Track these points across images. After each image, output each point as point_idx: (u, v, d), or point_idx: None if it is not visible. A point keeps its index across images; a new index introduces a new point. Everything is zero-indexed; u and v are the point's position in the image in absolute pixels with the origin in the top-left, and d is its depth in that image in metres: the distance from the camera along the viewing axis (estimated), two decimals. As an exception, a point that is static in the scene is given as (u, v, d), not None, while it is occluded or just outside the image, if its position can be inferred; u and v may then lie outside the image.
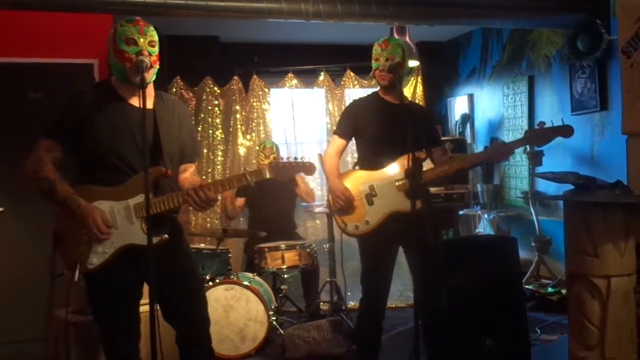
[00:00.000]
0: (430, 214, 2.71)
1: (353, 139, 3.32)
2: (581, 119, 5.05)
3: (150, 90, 2.43)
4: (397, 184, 3.05)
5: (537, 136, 3.03)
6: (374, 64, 3.16)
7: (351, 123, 3.26)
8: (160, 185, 2.39)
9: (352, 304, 5.29)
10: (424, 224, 2.66)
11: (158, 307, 2.28)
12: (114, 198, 2.33)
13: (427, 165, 3.10)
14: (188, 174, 2.58)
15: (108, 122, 2.34)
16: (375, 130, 3.16)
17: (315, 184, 5.78)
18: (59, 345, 3.15)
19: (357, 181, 3.15)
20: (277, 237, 4.78)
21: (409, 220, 2.96)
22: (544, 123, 3.05)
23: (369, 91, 3.38)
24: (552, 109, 5.44)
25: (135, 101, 2.38)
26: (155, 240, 2.23)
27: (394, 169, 3.08)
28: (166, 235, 2.35)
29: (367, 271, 3.20)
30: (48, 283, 2.44)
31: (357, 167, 3.30)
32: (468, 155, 3.21)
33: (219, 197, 2.27)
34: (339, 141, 3.29)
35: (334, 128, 5.93)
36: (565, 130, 3.01)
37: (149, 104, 2.39)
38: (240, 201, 5.21)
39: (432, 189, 5.06)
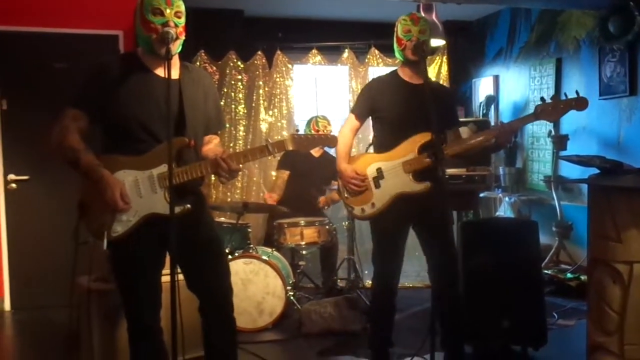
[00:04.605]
0: (443, 195, 2.70)
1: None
2: (609, 103, 4.97)
3: (175, 61, 2.43)
4: (403, 165, 3.03)
5: (548, 111, 2.90)
6: (404, 36, 3.06)
7: (368, 103, 3.23)
8: (184, 155, 2.40)
9: (369, 282, 5.33)
10: (437, 205, 2.65)
11: (179, 277, 2.31)
12: (138, 167, 2.35)
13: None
14: (212, 145, 2.60)
15: (133, 92, 2.35)
16: (392, 111, 3.12)
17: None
18: (81, 312, 3.21)
19: (366, 164, 3.14)
20: (303, 214, 4.79)
21: (420, 201, 2.96)
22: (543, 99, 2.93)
23: (393, 69, 3.34)
24: (579, 92, 5.33)
25: (160, 72, 2.39)
26: (177, 209, 2.25)
27: (402, 150, 3.06)
28: (189, 205, 2.36)
29: (378, 251, 3.21)
30: (72, 251, 2.48)
31: (369, 149, 3.27)
32: (474, 136, 3.11)
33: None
34: (354, 120, 3.28)
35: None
36: (579, 103, 2.88)
37: (175, 75, 2.40)
38: (285, 174, 5.22)
39: (453, 170, 5.03)
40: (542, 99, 2.94)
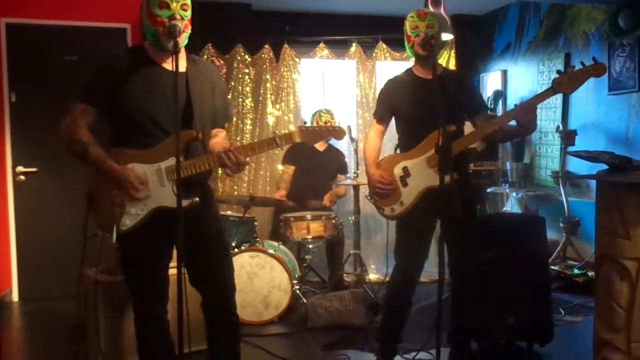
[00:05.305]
0: (460, 187, 2.68)
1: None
2: (618, 98, 4.94)
3: (182, 54, 2.43)
4: (427, 160, 3.03)
5: (567, 82, 2.82)
6: (412, 33, 3.07)
7: (387, 105, 3.24)
8: (191, 148, 2.41)
9: (375, 276, 5.34)
10: (453, 199, 2.64)
11: (185, 271, 2.32)
12: (146, 161, 2.36)
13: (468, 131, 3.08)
14: (219, 138, 2.60)
15: (141, 86, 2.36)
16: (411, 110, 3.13)
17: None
18: (88, 304, 3.22)
19: (392, 165, 3.15)
20: (310, 208, 4.79)
21: (442, 195, 2.95)
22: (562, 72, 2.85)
23: (401, 64, 3.34)
24: (588, 87, 5.31)
25: (168, 65, 2.39)
26: (185, 203, 2.26)
27: (425, 146, 3.05)
28: (197, 199, 2.37)
29: (402, 246, 3.20)
30: (79, 243, 2.49)
31: (397, 150, 3.28)
32: (496, 119, 3.08)
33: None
34: (377, 125, 3.31)
35: (364, 100, 5.95)
36: (597, 69, 2.80)
37: (182, 68, 2.40)
38: (290, 169, 5.23)
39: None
40: (558, 71, 2.86)
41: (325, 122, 4.98)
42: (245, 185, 5.80)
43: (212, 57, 5.69)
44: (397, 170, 3.12)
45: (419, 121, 3.07)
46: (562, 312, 4.22)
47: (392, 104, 3.21)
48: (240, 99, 5.82)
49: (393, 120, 3.30)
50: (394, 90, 3.23)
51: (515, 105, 2.90)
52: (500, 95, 6.43)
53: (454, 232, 3.02)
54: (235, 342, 2.64)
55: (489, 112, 3.21)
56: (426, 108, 2.99)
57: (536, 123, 2.96)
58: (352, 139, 4.81)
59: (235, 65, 5.79)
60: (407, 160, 3.10)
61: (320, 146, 5.15)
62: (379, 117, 3.30)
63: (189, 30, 2.39)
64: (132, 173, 2.33)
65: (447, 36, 5.49)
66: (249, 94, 5.85)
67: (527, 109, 2.87)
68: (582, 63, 2.83)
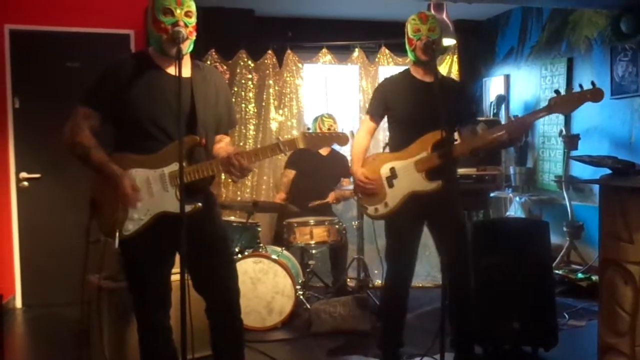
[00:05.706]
0: (454, 192, 2.69)
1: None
2: (621, 103, 4.93)
3: (186, 60, 2.45)
4: (416, 164, 3.03)
5: (563, 103, 2.82)
6: (414, 36, 3.07)
7: (381, 103, 3.24)
8: (195, 154, 2.41)
9: (379, 281, 5.32)
10: (448, 203, 2.65)
11: (189, 277, 2.32)
12: (149, 166, 2.37)
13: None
14: (223, 144, 2.61)
15: (145, 91, 2.36)
16: (405, 111, 3.13)
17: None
18: (91, 310, 3.23)
19: (379, 164, 3.15)
20: (313, 214, 4.79)
21: (433, 199, 2.95)
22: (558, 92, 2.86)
23: (404, 69, 3.34)
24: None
25: (172, 70, 2.39)
26: (188, 208, 2.26)
27: (415, 149, 3.05)
28: (199, 204, 2.38)
29: (392, 249, 3.21)
30: (83, 249, 2.49)
31: (386, 149, 3.28)
32: (486, 133, 3.07)
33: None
34: (369, 122, 3.29)
35: (367, 106, 5.95)
36: (594, 94, 2.80)
37: (186, 73, 2.41)
38: (291, 173, 5.24)
39: (464, 170, 5.01)
40: (556, 91, 2.87)
41: (329, 127, 5.00)
42: (248, 190, 5.81)
43: (215, 63, 5.70)
44: (384, 170, 3.12)
45: (412, 122, 3.07)
46: (567, 316, 4.21)
47: (387, 102, 3.20)
48: (243, 105, 5.83)
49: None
50: (389, 88, 3.23)
51: (510, 118, 2.92)
52: (503, 99, 6.43)
53: (443, 236, 3.03)
54: (239, 347, 2.63)
55: (477, 126, 3.22)
56: (421, 110, 3.01)
57: (522, 137, 2.98)
58: (354, 144, 4.81)
59: (238, 70, 5.80)
60: (395, 161, 3.10)
61: (323, 150, 5.15)
62: (371, 113, 3.27)
63: (193, 37, 2.40)
64: (128, 181, 2.32)
65: (449, 41, 5.51)
66: (252, 100, 5.86)
67: (521, 125, 2.90)
68: (580, 86, 2.84)
